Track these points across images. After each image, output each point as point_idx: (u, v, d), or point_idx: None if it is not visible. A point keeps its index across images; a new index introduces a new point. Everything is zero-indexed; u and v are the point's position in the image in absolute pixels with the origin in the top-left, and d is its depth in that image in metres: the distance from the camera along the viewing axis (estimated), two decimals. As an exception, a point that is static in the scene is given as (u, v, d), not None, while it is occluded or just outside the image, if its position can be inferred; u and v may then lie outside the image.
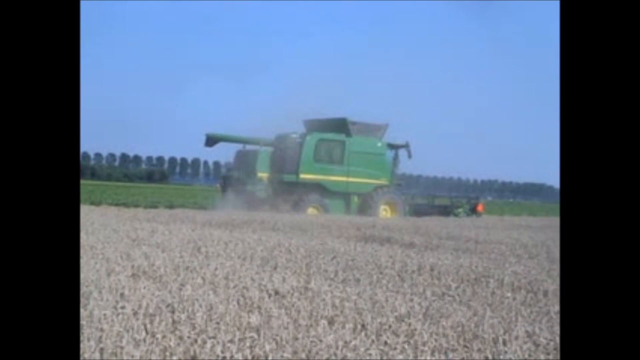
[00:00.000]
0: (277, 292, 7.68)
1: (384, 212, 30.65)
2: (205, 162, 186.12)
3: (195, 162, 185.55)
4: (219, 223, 19.52)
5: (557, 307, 7.74)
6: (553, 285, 9.06)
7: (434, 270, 10.21)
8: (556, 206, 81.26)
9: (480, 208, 35.44)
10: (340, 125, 30.71)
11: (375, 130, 31.47)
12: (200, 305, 6.63)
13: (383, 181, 31.18)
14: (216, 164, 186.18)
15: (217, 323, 6.02)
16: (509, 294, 8.42)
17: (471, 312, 7.11)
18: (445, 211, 34.03)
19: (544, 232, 20.99)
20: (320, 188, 29.74)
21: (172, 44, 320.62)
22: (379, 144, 31.39)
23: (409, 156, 32.37)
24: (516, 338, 6.00)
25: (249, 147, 31.78)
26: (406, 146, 32.27)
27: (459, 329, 6.25)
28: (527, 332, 6.22)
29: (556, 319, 7.11)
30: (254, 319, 6.15)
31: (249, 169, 30.26)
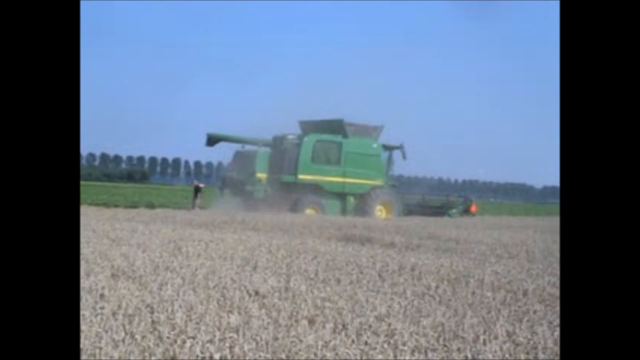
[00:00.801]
0: (257, 292, 7.67)
1: (379, 212, 31.11)
2: (186, 162, 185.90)
3: (176, 161, 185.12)
4: (200, 223, 19.46)
5: (536, 307, 7.78)
6: (533, 284, 9.11)
7: (414, 270, 10.23)
8: (537, 206, 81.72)
9: (473, 208, 36.01)
10: (337, 127, 31.13)
11: (370, 132, 31.93)
12: (180, 306, 6.61)
13: (378, 182, 31.67)
14: (197, 163, 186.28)
15: (197, 323, 6.01)
16: (489, 294, 8.46)
17: (451, 311, 7.14)
18: (440, 211, 34.40)
19: (524, 232, 21.10)
20: (317, 189, 30.11)
21: (160, 44, 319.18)
22: (375, 145, 31.84)
23: (404, 157, 33.02)
24: (496, 337, 6.03)
25: (247, 147, 31.98)
26: (400, 147, 32.87)
27: (439, 328, 6.26)
28: (507, 331, 6.25)
29: (535, 318, 7.15)
30: (234, 319, 6.14)
31: (248, 170, 30.53)
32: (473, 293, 8.57)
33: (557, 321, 7.07)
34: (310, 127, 32.10)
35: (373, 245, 14.97)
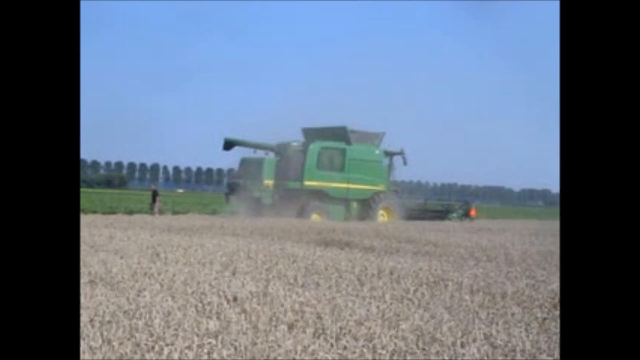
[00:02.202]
0: (236, 298, 7.65)
1: (381, 217, 31.83)
2: (165, 167, 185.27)
3: (155, 167, 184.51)
4: (179, 228, 19.40)
5: (514, 309, 7.81)
6: (511, 287, 9.14)
7: (393, 273, 10.25)
8: (514, 209, 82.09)
9: (473, 212, 36.60)
10: (340, 134, 31.92)
11: (372, 138, 32.73)
12: (158, 312, 6.57)
13: (381, 187, 32.40)
14: (176, 169, 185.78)
15: (175, 329, 5.98)
16: (467, 297, 8.48)
17: (429, 315, 7.14)
18: (440, 215, 35.15)
19: (502, 235, 21.19)
20: (322, 194, 30.79)
21: (150, 45, 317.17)
22: (377, 152, 32.65)
23: (405, 163, 33.78)
24: (474, 340, 6.04)
25: (254, 154, 32.40)
26: (401, 153, 33.63)
27: (418, 332, 6.27)
28: (484, 334, 6.27)
29: (513, 320, 7.18)
30: (213, 325, 6.12)
31: (256, 177, 30.99)
32: (451, 296, 8.59)
33: (534, 323, 7.11)
34: (313, 134, 32.84)
35: (352, 249, 14.97)
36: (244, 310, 6.98)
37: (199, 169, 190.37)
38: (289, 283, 9.34)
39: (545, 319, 7.39)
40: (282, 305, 7.18)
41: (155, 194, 33.73)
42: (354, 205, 31.81)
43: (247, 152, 32.25)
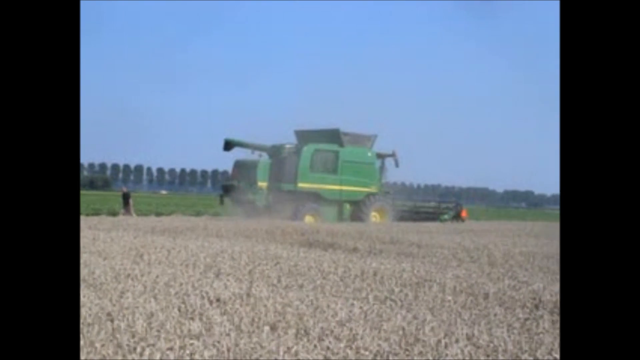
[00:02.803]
0: (219, 299, 7.63)
1: (373, 218, 32.28)
2: (149, 169, 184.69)
3: (138, 168, 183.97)
4: (162, 230, 19.34)
5: (496, 310, 7.84)
6: (493, 288, 9.17)
7: (376, 274, 10.26)
8: (498, 210, 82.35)
9: (464, 214, 36.98)
10: (333, 136, 32.32)
11: (365, 141, 33.16)
12: (141, 314, 6.55)
13: (373, 189, 32.85)
14: (160, 170, 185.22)
15: (158, 331, 5.96)
16: (450, 298, 8.50)
17: (412, 315, 7.16)
18: (431, 217, 35.51)
19: (485, 236, 21.26)
20: (316, 196, 31.10)
21: (133, 46, 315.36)
22: (369, 154, 33.09)
23: (396, 165, 34.30)
24: (457, 341, 6.06)
25: (248, 157, 32.57)
26: (393, 155, 34.14)
27: (401, 332, 6.28)
28: (467, 334, 6.29)
29: (496, 321, 7.20)
30: (195, 326, 6.10)
31: (250, 179, 31.14)
32: (434, 297, 8.61)
33: (516, 323, 7.14)
34: (306, 136, 33.11)
35: (336, 250, 14.99)
36: (226, 312, 6.97)
37: (182, 170, 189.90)
38: (272, 284, 9.34)
39: (527, 319, 7.42)
40: (265, 307, 7.17)
41: (126, 197, 33.66)
42: (347, 207, 32.23)
43: (239, 154, 32.48)
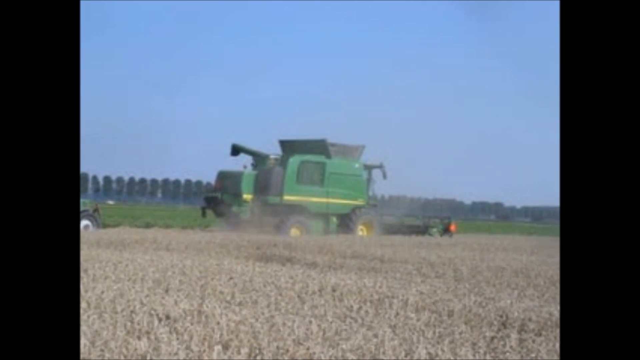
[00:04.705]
0: (168, 316, 7.63)
1: (360, 231, 32.69)
2: (95, 177, 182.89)
3: (84, 176, 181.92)
4: (108, 242, 19.20)
5: (461, 327, 7.94)
6: (459, 305, 9.28)
7: (335, 290, 10.31)
8: (466, 223, 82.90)
9: (452, 228, 37.31)
10: (320, 147, 32.73)
11: (352, 152, 33.64)
12: (84, 332, 6.53)
13: (360, 202, 33.33)
14: (107, 179, 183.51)
15: (102, 350, 5.95)
16: (412, 315, 8.58)
17: (372, 334, 7.22)
18: (419, 230, 35.72)
19: (452, 250, 21.42)
20: (302, 209, 31.44)
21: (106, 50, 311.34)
22: (357, 165, 33.51)
23: (384, 177, 34.61)
24: (418, 360, 6.13)
25: (231, 168, 33.02)
26: (381, 167, 34.47)
27: (359, 351, 6.34)
28: (429, 353, 6.37)
29: (460, 339, 7.30)
30: (142, 345, 6.10)
31: (234, 191, 31.40)
32: (396, 314, 8.68)
33: (481, 342, 7.24)
34: (292, 146, 33.44)
35: (294, 265, 15.02)
36: (176, 330, 6.97)
37: (131, 179, 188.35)
38: (225, 301, 9.34)
39: (493, 337, 7.52)
40: (218, 324, 7.18)
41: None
42: (334, 219, 32.52)
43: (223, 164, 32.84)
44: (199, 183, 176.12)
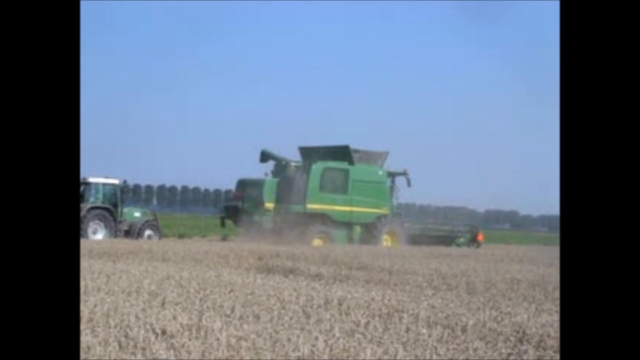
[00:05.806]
0: (164, 331, 7.60)
1: (385, 241, 32.72)
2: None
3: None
4: (101, 253, 19.19)
5: (476, 344, 7.90)
6: (472, 319, 9.23)
7: (342, 304, 10.27)
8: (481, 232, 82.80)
9: (480, 237, 37.52)
10: (343, 153, 32.75)
11: (376, 158, 33.74)
12: (76, 348, 6.51)
13: (384, 210, 33.37)
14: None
15: (95, 367, 5.93)
16: (424, 330, 8.53)
17: (382, 350, 7.18)
18: (446, 241, 35.79)
19: (464, 261, 21.34)
20: (325, 218, 31.59)
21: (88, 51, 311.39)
22: (380, 172, 33.61)
23: (408, 184, 34.64)
24: (431, 379, 6.10)
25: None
26: (405, 174, 34.50)
27: (369, 369, 6.30)
28: (442, 372, 6.33)
29: (475, 356, 7.26)
30: (138, 362, 6.08)
31: (256, 199, 31.64)
32: (407, 329, 8.63)
33: (497, 359, 7.19)
34: (312, 153, 33.44)
35: (297, 277, 14.99)
36: (173, 346, 6.94)
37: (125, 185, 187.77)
38: (225, 315, 9.31)
39: (510, 354, 7.48)
40: (217, 340, 7.16)
41: None
42: (357, 229, 32.59)
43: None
44: (196, 190, 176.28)
